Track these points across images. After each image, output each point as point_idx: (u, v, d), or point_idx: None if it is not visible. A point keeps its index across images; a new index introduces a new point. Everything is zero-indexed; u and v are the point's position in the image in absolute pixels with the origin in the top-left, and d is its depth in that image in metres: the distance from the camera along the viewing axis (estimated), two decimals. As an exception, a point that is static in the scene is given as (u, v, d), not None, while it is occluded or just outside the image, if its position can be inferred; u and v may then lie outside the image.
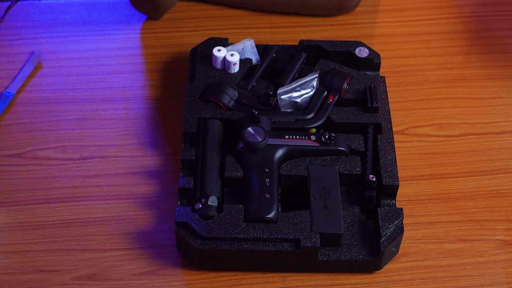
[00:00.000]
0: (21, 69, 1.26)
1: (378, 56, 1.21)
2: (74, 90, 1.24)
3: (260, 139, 1.07)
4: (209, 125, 1.12)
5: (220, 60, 1.19)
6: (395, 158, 1.09)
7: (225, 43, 1.23)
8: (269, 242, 1.01)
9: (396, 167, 1.08)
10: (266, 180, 1.05)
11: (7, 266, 1.04)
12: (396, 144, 1.13)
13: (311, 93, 1.16)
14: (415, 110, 1.23)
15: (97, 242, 1.06)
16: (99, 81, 1.25)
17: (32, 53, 1.29)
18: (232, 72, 1.19)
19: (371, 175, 1.05)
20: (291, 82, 1.18)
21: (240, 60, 1.20)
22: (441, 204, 1.12)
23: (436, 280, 1.04)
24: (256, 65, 1.21)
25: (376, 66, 1.21)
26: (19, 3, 1.37)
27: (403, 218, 1.04)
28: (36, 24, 1.34)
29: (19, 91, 1.23)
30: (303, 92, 1.16)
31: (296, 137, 1.09)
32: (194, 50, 1.23)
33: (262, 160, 1.06)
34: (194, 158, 1.08)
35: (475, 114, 1.23)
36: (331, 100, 1.14)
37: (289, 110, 1.15)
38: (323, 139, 1.09)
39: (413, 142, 1.19)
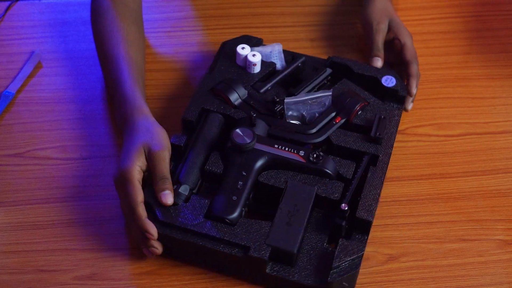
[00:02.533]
0: (21, 69, 1.26)
1: (404, 88, 1.18)
2: (74, 90, 1.24)
3: (247, 141, 1.06)
4: (210, 118, 1.12)
5: (242, 58, 1.19)
6: (379, 195, 1.05)
7: (258, 42, 1.22)
8: (220, 242, 1.00)
9: (377, 204, 1.03)
10: (239, 182, 1.04)
11: (7, 266, 1.04)
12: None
13: (321, 109, 1.14)
14: (415, 110, 1.23)
15: (97, 242, 1.06)
16: (99, 81, 1.25)
17: (32, 53, 1.28)
18: (252, 72, 1.18)
19: (343, 204, 1.02)
20: (306, 94, 1.15)
21: (264, 62, 1.19)
22: (441, 204, 1.12)
23: (436, 280, 1.04)
24: (279, 71, 1.20)
25: (400, 99, 1.18)
26: (19, 3, 1.37)
27: (362, 256, 1.00)
28: (36, 24, 1.34)
29: (19, 91, 1.23)
30: (313, 106, 1.14)
31: (285, 149, 1.07)
32: (224, 44, 1.22)
33: (242, 162, 1.06)
34: (182, 144, 1.08)
35: (475, 114, 1.23)
36: (337, 121, 1.12)
37: (293, 122, 1.14)
38: (310, 158, 1.06)
39: (413, 142, 1.19)
